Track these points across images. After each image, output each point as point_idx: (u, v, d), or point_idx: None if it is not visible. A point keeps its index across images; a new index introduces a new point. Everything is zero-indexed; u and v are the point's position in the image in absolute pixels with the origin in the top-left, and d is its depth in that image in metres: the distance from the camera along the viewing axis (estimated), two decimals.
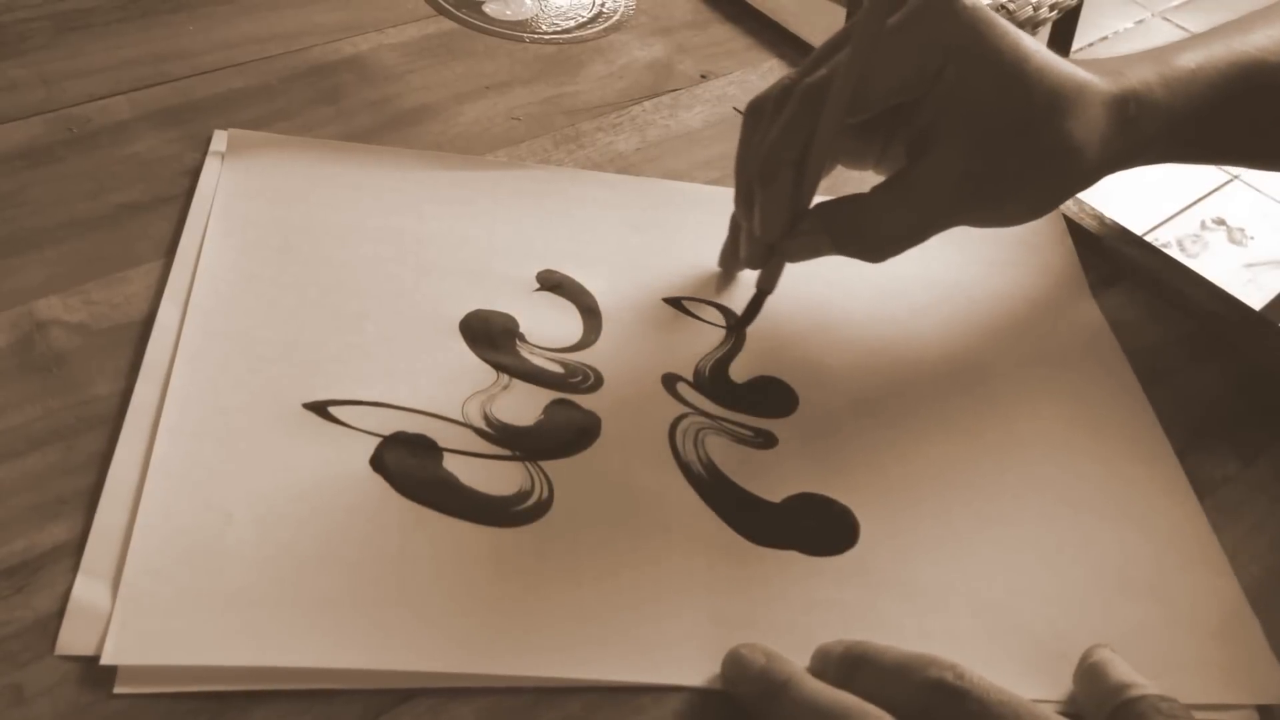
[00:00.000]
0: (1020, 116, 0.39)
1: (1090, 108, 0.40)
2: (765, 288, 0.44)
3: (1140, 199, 1.78)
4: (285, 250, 0.44)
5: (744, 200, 0.44)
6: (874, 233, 0.41)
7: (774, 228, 0.42)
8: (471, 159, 0.50)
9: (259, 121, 0.50)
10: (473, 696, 0.32)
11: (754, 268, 0.45)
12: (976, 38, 0.39)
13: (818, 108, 0.40)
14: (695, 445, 0.40)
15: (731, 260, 0.47)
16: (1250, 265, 1.73)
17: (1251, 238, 1.79)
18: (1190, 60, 0.44)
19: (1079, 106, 0.40)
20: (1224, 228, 1.80)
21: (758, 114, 0.43)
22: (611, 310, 0.45)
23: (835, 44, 0.42)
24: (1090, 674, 0.34)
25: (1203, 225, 1.80)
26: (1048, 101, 0.39)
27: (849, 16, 0.43)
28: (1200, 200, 1.85)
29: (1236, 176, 1.91)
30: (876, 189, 0.41)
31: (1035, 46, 0.40)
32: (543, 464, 0.38)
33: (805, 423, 0.42)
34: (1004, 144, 0.40)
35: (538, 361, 0.42)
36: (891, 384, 0.44)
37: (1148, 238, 0.53)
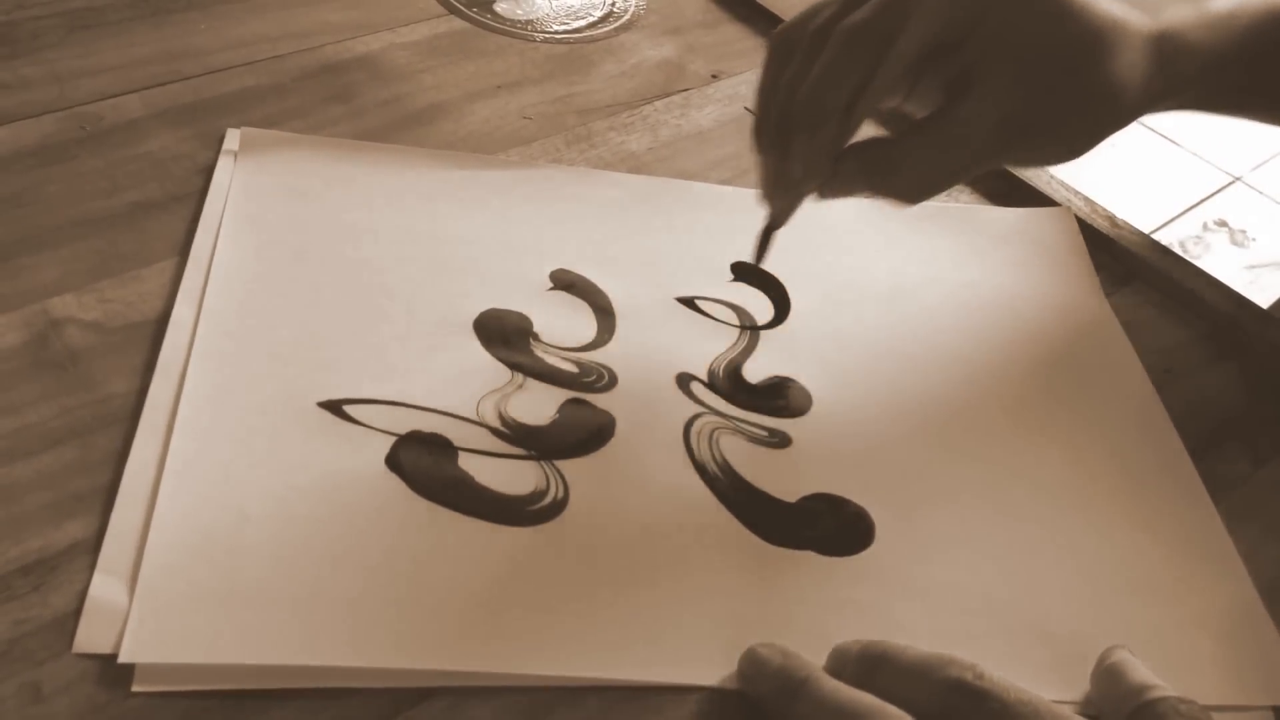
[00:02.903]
0: (1063, 57, 0.39)
1: (1130, 47, 0.40)
2: (779, 223, 0.43)
3: (1142, 201, 1.78)
4: (299, 249, 0.44)
5: (768, 137, 0.41)
6: (913, 174, 0.40)
7: (816, 174, 0.40)
8: (483, 158, 0.50)
9: (271, 120, 0.50)
10: (490, 695, 0.32)
11: (778, 207, 0.43)
12: None
13: (864, 52, 0.38)
14: (710, 445, 0.40)
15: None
16: (1252, 267, 1.73)
17: (1253, 239, 1.79)
18: (1225, 4, 0.44)
19: (1119, 46, 0.39)
20: (1226, 229, 1.80)
21: (788, 47, 0.40)
22: (625, 310, 0.45)
23: None
24: (1109, 675, 0.34)
25: (1205, 227, 1.80)
26: (1091, 41, 0.39)
27: None
28: (1202, 202, 1.85)
29: (1238, 178, 1.91)
30: (914, 128, 0.40)
31: None
32: (558, 463, 0.38)
33: (820, 423, 0.42)
34: (1047, 85, 0.39)
35: (552, 361, 0.42)
36: (905, 385, 0.44)
37: None
